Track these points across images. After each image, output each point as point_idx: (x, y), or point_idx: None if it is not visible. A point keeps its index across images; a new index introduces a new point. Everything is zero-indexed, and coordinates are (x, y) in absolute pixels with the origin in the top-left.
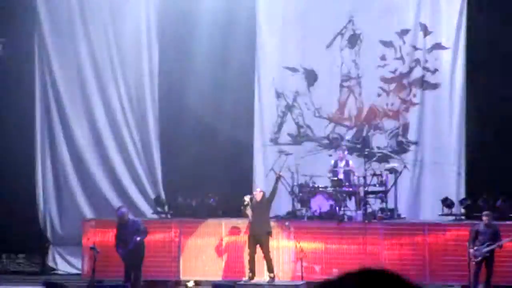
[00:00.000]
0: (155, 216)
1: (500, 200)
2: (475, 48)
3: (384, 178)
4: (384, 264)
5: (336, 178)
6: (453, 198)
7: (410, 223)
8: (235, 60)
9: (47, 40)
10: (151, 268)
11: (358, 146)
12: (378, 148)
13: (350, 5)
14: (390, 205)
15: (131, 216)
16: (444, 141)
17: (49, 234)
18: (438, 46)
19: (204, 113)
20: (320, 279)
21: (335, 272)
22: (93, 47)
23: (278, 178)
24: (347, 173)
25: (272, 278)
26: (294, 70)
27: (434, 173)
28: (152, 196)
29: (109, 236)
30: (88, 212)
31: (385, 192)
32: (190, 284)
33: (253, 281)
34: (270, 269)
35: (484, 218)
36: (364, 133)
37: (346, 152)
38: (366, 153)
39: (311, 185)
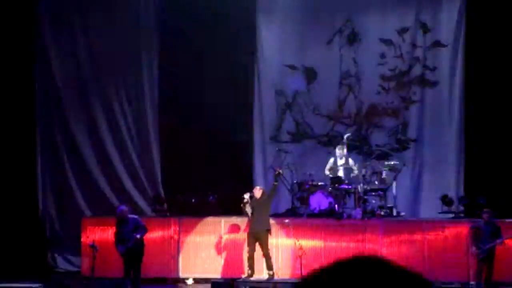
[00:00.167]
0: (154, 214)
1: (499, 198)
2: (474, 46)
3: (383, 176)
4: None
5: (335, 176)
6: (453, 195)
7: (409, 221)
8: (235, 58)
9: (46, 39)
10: (150, 265)
11: (358, 144)
12: (378, 146)
13: (350, 3)
14: (390, 202)
15: (130, 214)
16: (444, 139)
17: (48, 232)
18: (437, 44)
19: (204, 111)
20: None
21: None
22: (93, 46)
23: (278, 175)
24: (347, 171)
25: (271, 276)
26: (293, 68)
27: (434, 170)
28: (151, 194)
29: (108, 234)
30: (87, 210)
31: (385, 190)
32: (189, 281)
33: (252, 279)
34: (269, 267)
35: (484, 215)
36: (364, 131)
37: (345, 150)
38: (365, 151)
39: (310, 182)
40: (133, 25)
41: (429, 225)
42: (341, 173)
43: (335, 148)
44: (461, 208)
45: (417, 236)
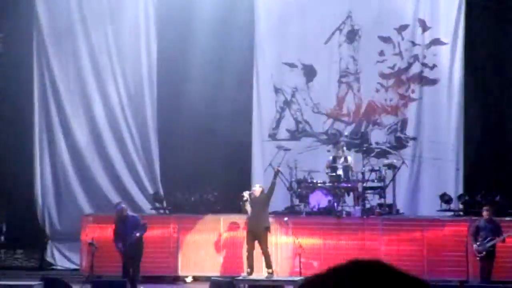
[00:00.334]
0: (153, 211)
1: (498, 195)
2: (473, 44)
3: (382, 173)
4: (382, 259)
5: (334, 174)
6: (451, 193)
7: (409, 219)
8: (234, 56)
9: (45, 37)
10: (150, 263)
11: (357, 141)
12: (377, 143)
13: (349, 0)
14: (389, 200)
15: (129, 212)
16: (443, 136)
17: (47, 229)
18: (436, 41)
19: (203, 109)
20: None
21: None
22: (92, 44)
23: (277, 173)
24: (346, 169)
25: (271, 274)
26: (292, 65)
27: (433, 168)
28: (151, 191)
29: (108, 231)
30: (86, 208)
31: (384, 188)
32: (188, 279)
33: (251, 277)
34: (269, 265)
35: (484, 213)
36: (363, 129)
37: (344, 148)
38: (364, 148)
39: (309, 180)
40: (132, 21)
41: (428, 223)
42: (340, 171)
43: (334, 146)
44: (460, 206)
45: (416, 234)
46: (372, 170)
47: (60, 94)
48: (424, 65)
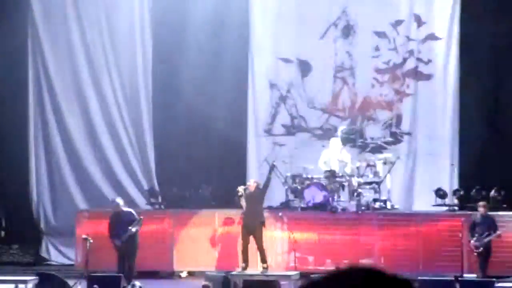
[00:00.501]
0: (148, 207)
1: (493, 190)
2: (468, 39)
3: (377, 169)
4: (378, 255)
5: (329, 169)
6: (446, 188)
7: (404, 214)
8: (229, 51)
9: (40, 32)
10: (145, 258)
11: (352, 136)
12: (372, 139)
13: None
14: (384, 195)
15: (125, 207)
16: (438, 131)
17: (42, 225)
18: (431, 36)
19: (198, 104)
20: (313, 270)
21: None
22: (87, 39)
23: (272, 168)
24: (341, 164)
25: (266, 269)
26: (287, 61)
27: (428, 163)
28: (146, 187)
29: (103, 227)
30: (81, 203)
31: (379, 183)
32: (184, 274)
33: (246, 272)
34: (264, 260)
35: (480, 208)
36: (358, 124)
37: (340, 143)
38: (359, 143)
39: (304, 175)
40: (127, 16)
41: (423, 218)
42: (335, 166)
43: (329, 141)
44: (455, 201)
45: (411, 229)
46: (367, 165)
47: (55, 91)
48: (419, 60)
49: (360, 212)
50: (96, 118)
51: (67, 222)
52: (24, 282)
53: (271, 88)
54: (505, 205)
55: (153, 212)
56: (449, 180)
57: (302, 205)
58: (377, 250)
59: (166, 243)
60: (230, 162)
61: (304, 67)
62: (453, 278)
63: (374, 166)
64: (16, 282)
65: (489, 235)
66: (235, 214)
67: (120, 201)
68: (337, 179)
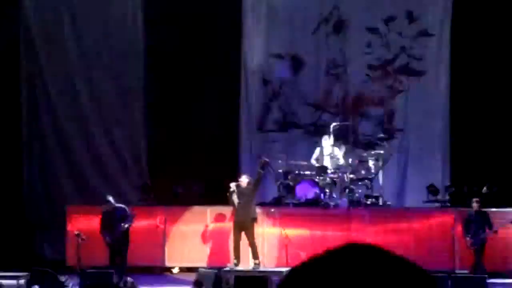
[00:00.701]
0: (140, 202)
1: (485, 187)
2: (460, 35)
3: (369, 165)
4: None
5: (322, 165)
6: (438, 184)
7: (395, 210)
8: (221, 48)
9: (32, 26)
10: (136, 254)
11: (344, 133)
12: (364, 135)
13: None
14: (376, 192)
15: (117, 203)
16: (430, 128)
17: (34, 220)
18: (423, 33)
19: (191, 100)
20: None
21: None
22: (79, 32)
23: (264, 164)
24: (333, 160)
25: (257, 265)
26: (280, 57)
27: (420, 160)
28: (138, 183)
29: (94, 222)
30: (74, 199)
31: (371, 179)
32: (175, 270)
33: (238, 268)
34: (255, 256)
35: (474, 205)
36: (350, 120)
37: (332, 139)
38: (352, 140)
39: (296, 172)
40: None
41: (415, 214)
42: (327, 162)
43: (321, 137)
44: (447, 197)
45: (403, 225)
46: (359, 162)
47: (48, 86)
48: (411, 56)
49: (352, 208)
50: (88, 113)
51: (59, 218)
52: (16, 278)
53: (264, 84)
54: (497, 201)
55: (145, 208)
56: (441, 176)
57: (294, 201)
58: None
59: (158, 239)
60: (223, 158)
61: (297, 63)
62: (446, 275)
63: (366, 162)
64: (8, 278)
65: (484, 231)
66: (227, 210)
67: (111, 199)
68: (329, 175)
